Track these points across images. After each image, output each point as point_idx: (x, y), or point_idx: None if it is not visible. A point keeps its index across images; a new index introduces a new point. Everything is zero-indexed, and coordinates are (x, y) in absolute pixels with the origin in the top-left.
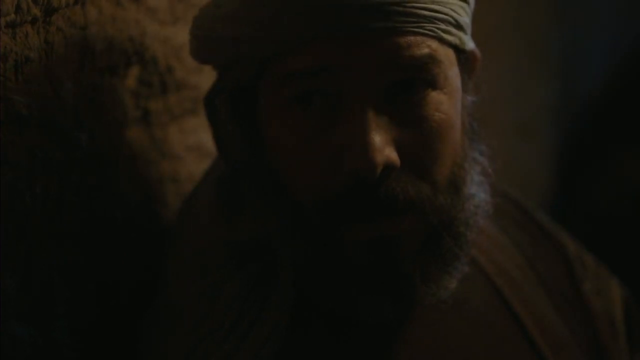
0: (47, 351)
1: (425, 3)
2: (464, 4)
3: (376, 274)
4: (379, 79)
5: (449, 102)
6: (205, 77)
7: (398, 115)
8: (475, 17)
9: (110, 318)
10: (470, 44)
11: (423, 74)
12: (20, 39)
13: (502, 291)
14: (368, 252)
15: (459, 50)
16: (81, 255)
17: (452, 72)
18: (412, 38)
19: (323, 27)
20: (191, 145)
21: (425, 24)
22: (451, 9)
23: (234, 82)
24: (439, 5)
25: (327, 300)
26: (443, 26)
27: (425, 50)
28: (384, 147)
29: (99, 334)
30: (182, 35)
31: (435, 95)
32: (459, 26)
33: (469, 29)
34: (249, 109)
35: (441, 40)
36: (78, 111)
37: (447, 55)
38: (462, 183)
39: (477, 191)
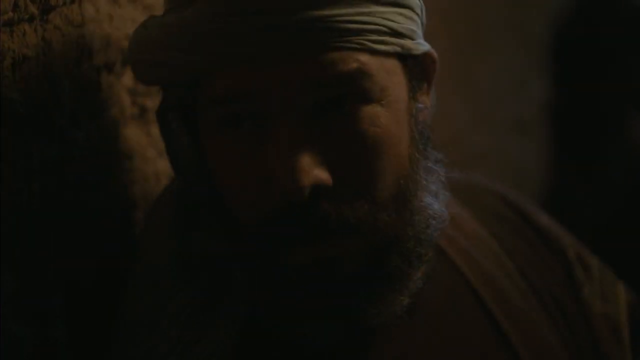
0: (45, 351)
1: (350, 16)
2: (403, 10)
3: (319, 296)
4: (305, 99)
5: (387, 114)
6: None
7: (330, 132)
8: (470, 15)
9: (110, 317)
10: (420, 48)
11: (353, 89)
12: (17, 37)
13: (485, 301)
14: (309, 275)
15: (403, 56)
16: (79, 253)
17: (392, 82)
18: (337, 54)
19: (240, 51)
20: None
21: (351, 38)
22: (384, 18)
23: (176, 101)
24: (368, 16)
25: (274, 323)
26: (374, 37)
27: (353, 66)
28: (311, 168)
29: (97, 334)
30: None
31: (369, 109)
32: (397, 34)
33: (416, 33)
34: (194, 125)
35: (373, 52)
36: (75, 109)
37: (383, 66)
38: (410, 196)
39: (432, 202)
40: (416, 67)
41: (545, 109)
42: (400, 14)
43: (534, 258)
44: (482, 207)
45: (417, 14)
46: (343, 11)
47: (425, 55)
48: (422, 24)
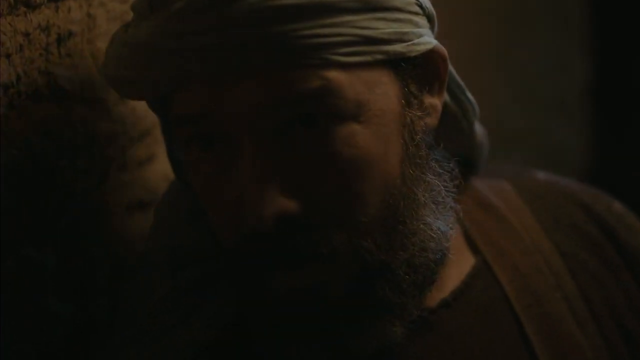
0: (86, 328)
1: (311, 29)
2: (384, 14)
3: (303, 322)
4: (266, 120)
5: (366, 132)
6: None
7: (300, 155)
8: None
9: None
10: (418, 48)
11: (321, 108)
12: (63, 13)
13: (525, 327)
14: (292, 301)
15: (395, 62)
16: (123, 230)
17: (374, 95)
18: (297, 72)
19: (194, 69)
20: None
21: (313, 54)
22: (356, 27)
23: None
24: (333, 28)
25: (262, 345)
26: (344, 50)
27: (315, 84)
28: (275, 198)
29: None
30: None
31: (343, 128)
32: (376, 41)
33: (410, 34)
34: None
35: (345, 66)
36: None
37: (359, 80)
38: (403, 217)
39: (433, 221)
40: (415, 70)
41: (586, 89)
42: (380, 19)
43: (609, 282)
44: (556, 215)
45: (410, 12)
46: (303, 25)
47: (430, 53)
48: (427, 17)
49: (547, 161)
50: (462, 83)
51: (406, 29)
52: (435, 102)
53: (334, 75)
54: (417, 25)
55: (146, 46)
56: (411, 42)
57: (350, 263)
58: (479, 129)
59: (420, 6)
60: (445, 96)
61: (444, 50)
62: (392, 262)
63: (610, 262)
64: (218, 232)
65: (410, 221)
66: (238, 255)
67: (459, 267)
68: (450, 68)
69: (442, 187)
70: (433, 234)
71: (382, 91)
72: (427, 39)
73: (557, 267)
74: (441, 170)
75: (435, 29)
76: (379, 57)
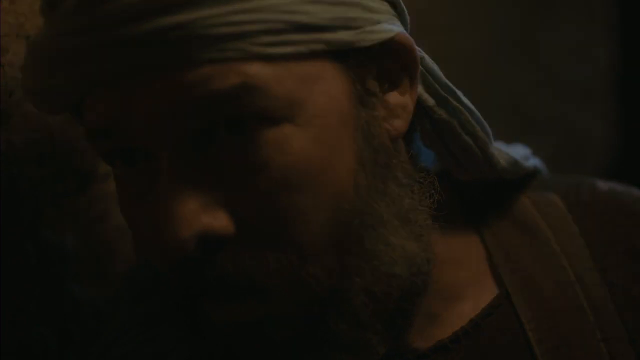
0: (106, 313)
1: (225, 16)
2: None
3: (254, 357)
4: (183, 128)
5: (303, 136)
6: None
7: (226, 165)
8: None
9: None
10: (371, 37)
11: (245, 109)
12: None
13: None
14: (236, 336)
15: (342, 53)
16: None
17: (312, 92)
18: (211, 68)
19: (95, 73)
20: None
21: (228, 45)
22: (283, 12)
23: None
24: (253, 13)
25: None
26: (267, 39)
27: (233, 81)
28: (197, 215)
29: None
30: None
31: (275, 132)
32: (311, 28)
33: (360, 20)
34: None
35: (271, 58)
36: None
37: (291, 74)
38: (359, 236)
39: (399, 240)
40: (372, 64)
41: (612, 74)
42: (317, 2)
43: None
44: (611, 238)
45: None
46: (215, 11)
47: (391, 44)
48: (391, 3)
49: (570, 151)
50: (451, 86)
51: (354, 14)
52: (405, 101)
53: (256, 69)
54: (371, 10)
55: (43, 49)
56: (362, 30)
57: (294, 292)
58: (502, 148)
59: None
60: (430, 101)
61: (409, 39)
62: (345, 289)
63: None
64: (148, 257)
65: (368, 241)
66: (170, 283)
67: (474, 300)
68: (432, 67)
69: (411, 202)
70: (397, 257)
71: (324, 88)
72: (386, 27)
73: (600, 302)
74: (408, 182)
75: (406, 17)
76: (317, 47)
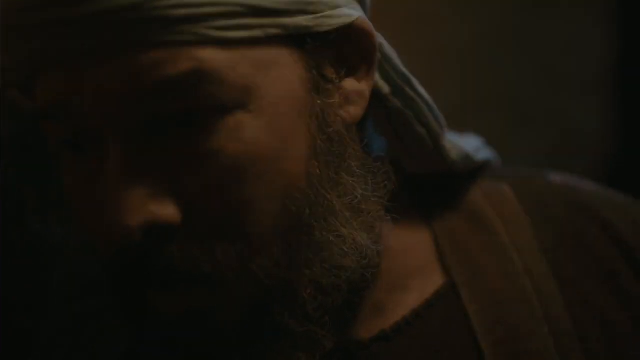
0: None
1: None
2: None
3: (195, 352)
4: (133, 113)
5: (256, 123)
6: None
7: (177, 153)
8: None
9: None
10: (329, 22)
11: (197, 95)
12: None
13: None
14: (180, 326)
15: (299, 38)
16: None
17: (267, 78)
18: (162, 52)
19: (44, 52)
20: None
21: (181, 28)
22: None
23: None
24: None
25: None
26: (222, 22)
27: (186, 65)
28: (144, 204)
29: None
30: None
31: (228, 120)
32: (267, 12)
33: (318, 4)
34: None
35: (225, 43)
36: None
37: (246, 59)
38: (309, 227)
39: (349, 232)
40: (329, 49)
41: (608, 66)
42: None
43: (620, 320)
44: (562, 231)
45: None
46: None
47: (350, 29)
48: None
49: (566, 144)
50: (409, 75)
51: None
52: (361, 88)
53: (210, 54)
54: None
55: None
56: (320, 15)
57: (241, 283)
58: (455, 140)
59: None
60: (386, 89)
61: (369, 25)
62: (293, 281)
63: (625, 295)
64: (93, 245)
65: (318, 232)
66: (114, 271)
67: (420, 291)
68: (390, 54)
69: (363, 192)
70: (348, 249)
71: (279, 74)
72: (345, 11)
73: (549, 295)
74: (361, 172)
75: (367, 1)
76: (273, 31)
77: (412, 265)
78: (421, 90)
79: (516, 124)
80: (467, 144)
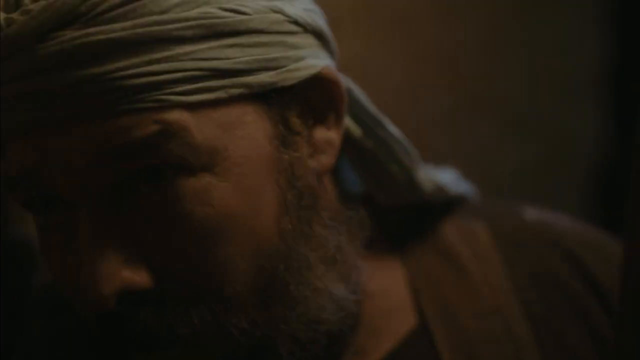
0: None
1: (138, 67)
2: (232, 39)
3: None
4: (101, 178)
5: (223, 186)
6: None
7: (146, 217)
8: None
9: None
10: (295, 75)
11: (164, 159)
12: None
13: None
14: None
15: (264, 95)
16: None
17: (233, 138)
18: (127, 118)
19: (13, 122)
20: None
21: (143, 96)
22: (198, 58)
23: None
24: (168, 62)
25: None
26: (184, 87)
27: (151, 129)
28: (116, 271)
29: None
30: None
31: (194, 183)
32: (230, 73)
33: (282, 59)
34: None
35: (190, 106)
36: None
37: (211, 121)
38: (285, 283)
39: (326, 284)
40: (296, 101)
41: (603, 70)
42: (233, 46)
43: (571, 332)
44: (535, 269)
45: (280, 33)
46: (129, 62)
47: (316, 79)
48: (315, 34)
49: (560, 150)
50: (378, 116)
51: (275, 53)
52: (331, 136)
53: (176, 117)
54: (293, 47)
55: None
56: (284, 69)
57: (218, 343)
58: (430, 173)
59: (297, 23)
60: (358, 132)
61: (334, 73)
62: (271, 338)
63: (597, 335)
64: (71, 304)
65: (294, 287)
66: (93, 327)
67: (394, 332)
68: (360, 98)
69: (337, 243)
70: (325, 302)
71: (245, 133)
72: (310, 62)
73: (519, 335)
74: (334, 223)
75: (332, 46)
76: (236, 91)
77: (388, 307)
78: (392, 129)
79: (508, 128)
80: (442, 177)
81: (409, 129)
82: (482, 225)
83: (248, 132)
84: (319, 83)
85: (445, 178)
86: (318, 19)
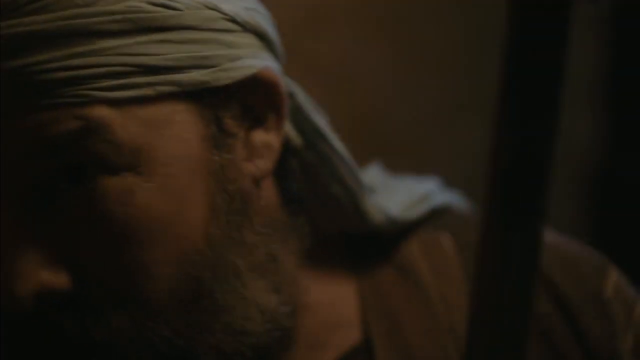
0: None
1: (61, 60)
2: (163, 35)
3: None
4: (22, 175)
5: (148, 186)
6: None
7: (67, 216)
8: None
9: None
10: (230, 75)
11: (85, 156)
12: None
13: None
14: None
15: (196, 94)
16: None
17: (159, 138)
18: (48, 113)
19: None
20: None
21: (66, 90)
22: (124, 54)
23: None
24: (92, 56)
25: None
26: (109, 83)
27: (72, 125)
28: (34, 271)
29: None
30: None
31: (117, 182)
32: (155, 69)
33: (211, 59)
34: None
35: (114, 102)
36: None
37: (137, 118)
38: (210, 291)
39: (256, 294)
40: (231, 102)
41: (601, 74)
42: (163, 42)
43: None
44: None
45: (215, 30)
46: (51, 55)
47: (254, 80)
48: (257, 34)
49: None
50: (323, 128)
51: (208, 51)
52: (270, 139)
53: (98, 113)
54: (229, 45)
55: None
56: (218, 68)
57: (138, 353)
58: (380, 203)
59: (234, 21)
60: (299, 141)
61: (273, 75)
62: (194, 348)
63: (559, 356)
64: None
65: (220, 296)
66: (12, 321)
67: (336, 347)
68: (305, 105)
69: (271, 251)
70: (252, 313)
71: (174, 133)
72: (248, 62)
73: None
74: (269, 230)
75: (276, 47)
76: (166, 89)
77: (332, 321)
78: (337, 145)
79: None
80: (418, 188)
81: (399, 129)
82: (449, 239)
83: (177, 131)
84: (257, 84)
85: (421, 189)
86: (261, 19)
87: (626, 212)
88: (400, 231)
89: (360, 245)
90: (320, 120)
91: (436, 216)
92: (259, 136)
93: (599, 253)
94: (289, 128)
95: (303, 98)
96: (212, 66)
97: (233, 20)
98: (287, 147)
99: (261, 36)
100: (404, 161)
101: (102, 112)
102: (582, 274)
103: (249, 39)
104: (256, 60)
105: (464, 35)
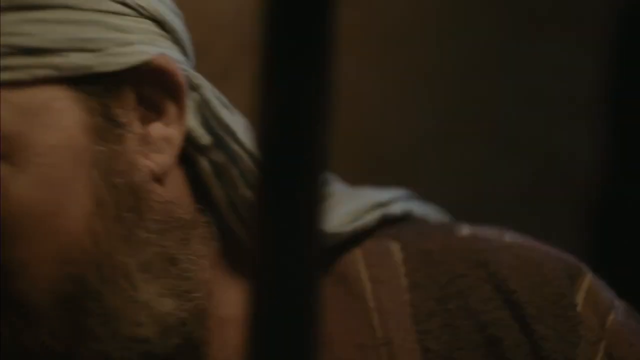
0: None
1: None
2: (39, 13)
3: None
4: None
5: (23, 177)
6: None
7: None
8: None
9: None
10: (118, 60)
11: None
12: None
13: None
14: None
15: (78, 79)
16: None
17: (38, 126)
18: None
19: None
20: None
21: None
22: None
23: None
24: None
25: None
26: None
27: None
28: None
29: None
30: None
31: None
32: (29, 51)
33: (96, 42)
34: None
35: None
36: None
37: (10, 105)
38: (96, 293)
39: (149, 296)
40: (119, 90)
41: (599, 91)
42: (38, 21)
43: None
44: (445, 293)
45: (103, 11)
46: None
47: (147, 67)
48: (155, 21)
49: (553, 174)
50: (234, 125)
51: (92, 34)
52: (169, 133)
53: None
54: (119, 29)
55: None
56: (104, 52)
57: (13, 358)
58: (343, 198)
59: (125, 4)
60: (206, 139)
61: (169, 62)
62: (77, 356)
63: None
64: None
65: (107, 298)
66: None
67: None
68: (212, 99)
69: (168, 250)
70: (142, 317)
71: (52, 121)
72: (139, 48)
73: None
74: (166, 227)
75: (180, 36)
76: (42, 72)
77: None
78: (248, 145)
79: (500, 150)
80: (372, 197)
81: (398, 150)
82: (396, 247)
83: (56, 120)
84: (151, 72)
85: (378, 197)
86: (161, 7)
87: (630, 237)
88: (345, 241)
89: None
90: (232, 118)
91: (390, 225)
92: (158, 129)
93: (575, 259)
94: (195, 125)
95: (211, 93)
96: (96, 50)
97: (123, 3)
98: (197, 145)
99: (161, 24)
100: (399, 182)
101: None
102: (545, 278)
103: (144, 25)
104: (151, 47)
105: (467, 58)
